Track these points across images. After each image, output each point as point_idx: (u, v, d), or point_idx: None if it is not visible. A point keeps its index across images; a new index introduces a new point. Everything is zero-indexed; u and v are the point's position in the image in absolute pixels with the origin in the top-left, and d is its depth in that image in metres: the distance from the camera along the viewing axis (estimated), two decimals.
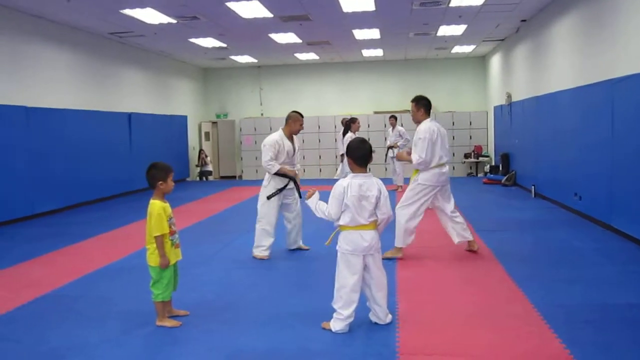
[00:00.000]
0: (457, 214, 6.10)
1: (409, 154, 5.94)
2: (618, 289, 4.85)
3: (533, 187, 10.84)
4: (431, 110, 6.03)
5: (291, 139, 6.28)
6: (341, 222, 3.94)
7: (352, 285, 3.90)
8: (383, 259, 5.79)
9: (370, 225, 3.92)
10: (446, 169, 5.94)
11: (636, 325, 3.99)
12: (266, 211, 6.23)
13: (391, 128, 12.50)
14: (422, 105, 5.94)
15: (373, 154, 4.12)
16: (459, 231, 6.08)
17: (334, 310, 3.97)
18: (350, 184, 3.87)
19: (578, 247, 6.45)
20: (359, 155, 3.94)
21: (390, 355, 3.54)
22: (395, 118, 12.62)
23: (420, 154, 5.76)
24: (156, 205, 4.07)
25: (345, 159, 11.92)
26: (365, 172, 3.96)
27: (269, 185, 6.23)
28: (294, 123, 6.22)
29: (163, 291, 4.13)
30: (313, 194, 4.10)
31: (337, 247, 3.98)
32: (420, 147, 5.79)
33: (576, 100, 8.42)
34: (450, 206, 6.07)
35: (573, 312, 4.27)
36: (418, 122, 5.97)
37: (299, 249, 6.51)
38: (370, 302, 4.08)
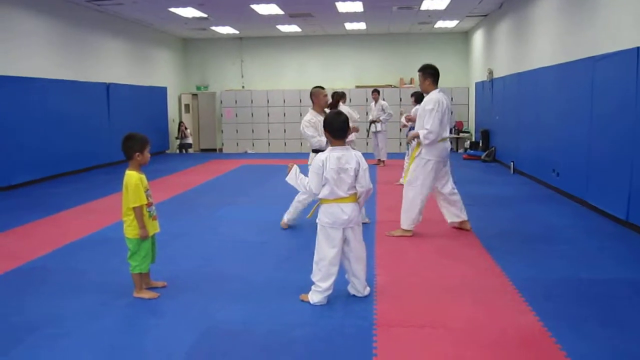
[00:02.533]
0: (455, 192, 6.02)
1: (416, 135, 5.72)
2: (593, 263, 4.94)
3: (512, 163, 10.93)
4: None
5: (324, 115, 6.21)
6: (321, 196, 3.93)
7: (331, 258, 3.91)
8: (390, 236, 5.82)
9: (350, 198, 3.92)
10: (448, 143, 5.85)
11: (609, 299, 4.07)
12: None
13: (374, 102, 12.39)
14: (429, 75, 5.73)
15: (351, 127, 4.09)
16: (453, 212, 6.06)
17: (312, 283, 3.99)
18: (329, 157, 3.86)
19: (555, 223, 6.54)
20: (336, 127, 3.91)
21: (367, 327, 3.58)
22: (378, 92, 12.50)
23: (427, 125, 5.55)
24: (133, 177, 4.02)
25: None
26: (344, 144, 3.95)
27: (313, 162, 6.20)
28: (317, 98, 6.18)
29: (140, 263, 4.11)
30: (291, 169, 4.07)
31: (317, 220, 3.98)
32: (427, 118, 5.57)
33: (557, 78, 8.45)
34: (449, 186, 5.98)
35: (548, 286, 4.34)
36: (426, 92, 5.80)
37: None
38: (348, 275, 4.10)
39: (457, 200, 6.05)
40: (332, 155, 3.87)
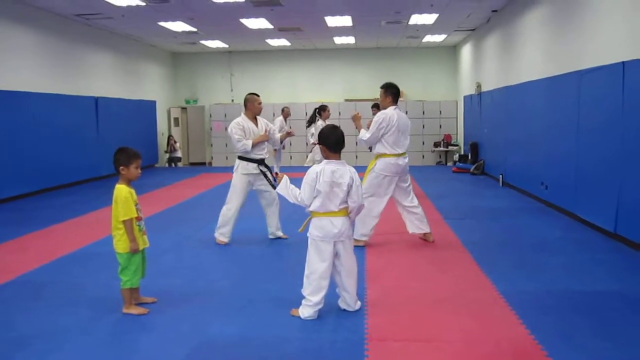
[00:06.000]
0: (415, 204, 6.12)
1: (368, 126, 6.06)
2: (583, 276, 4.97)
3: (501, 176, 10.99)
4: (401, 99, 6.05)
5: (255, 122, 6.27)
6: (312, 208, 3.93)
7: (322, 272, 3.91)
8: None
9: (341, 212, 3.92)
10: (403, 159, 5.93)
11: (600, 311, 4.09)
12: (230, 196, 6.27)
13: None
14: (390, 93, 5.97)
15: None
16: (414, 222, 6.14)
17: (303, 297, 3.98)
18: (323, 170, 3.87)
19: (544, 235, 6.58)
20: (332, 141, 3.94)
21: (359, 341, 3.57)
22: (378, 107, 12.11)
23: (366, 134, 5.93)
24: (122, 190, 4.01)
25: (316, 147, 11.86)
26: (339, 158, 3.97)
27: (238, 169, 6.23)
28: (251, 104, 6.26)
29: (131, 278, 4.08)
30: (281, 179, 4.09)
31: (308, 234, 3.98)
32: (370, 129, 5.93)
33: (544, 91, 8.53)
34: (408, 200, 6.10)
35: (539, 298, 4.36)
36: (384, 108, 6.03)
37: (278, 238, 6.48)
38: (339, 289, 4.09)
39: (418, 213, 6.13)
40: (327, 169, 3.88)
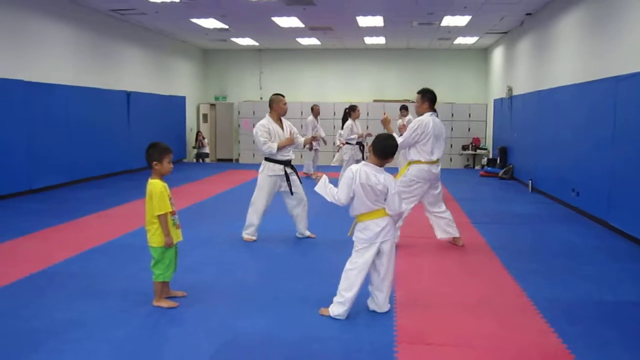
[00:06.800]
0: (443, 210, 6.09)
1: (401, 129, 6.09)
2: (615, 286, 4.87)
3: (530, 181, 10.85)
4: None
5: (280, 123, 6.28)
6: (354, 212, 3.99)
7: (360, 270, 3.94)
8: None
9: (381, 212, 3.94)
10: (436, 167, 5.90)
11: (632, 322, 4.01)
12: (256, 196, 6.30)
13: (402, 119, 11.43)
14: (427, 99, 5.94)
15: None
16: (443, 227, 6.12)
17: (333, 296, 3.98)
18: (360, 171, 3.91)
19: (575, 243, 6.47)
20: (381, 148, 3.95)
21: (388, 344, 3.55)
22: (407, 109, 11.80)
23: (399, 139, 5.76)
24: (157, 185, 4.05)
25: (344, 147, 11.75)
26: (380, 166, 3.97)
27: (264, 170, 6.24)
28: (277, 105, 6.24)
29: (164, 271, 4.12)
30: (320, 178, 4.12)
31: (354, 237, 4.03)
32: (404, 134, 5.88)
33: (578, 97, 8.40)
34: (437, 206, 6.07)
35: (570, 307, 4.29)
36: (420, 114, 6.00)
37: (307, 237, 6.48)
38: (372, 288, 4.10)
39: (446, 217, 6.11)
40: (363, 170, 3.92)
